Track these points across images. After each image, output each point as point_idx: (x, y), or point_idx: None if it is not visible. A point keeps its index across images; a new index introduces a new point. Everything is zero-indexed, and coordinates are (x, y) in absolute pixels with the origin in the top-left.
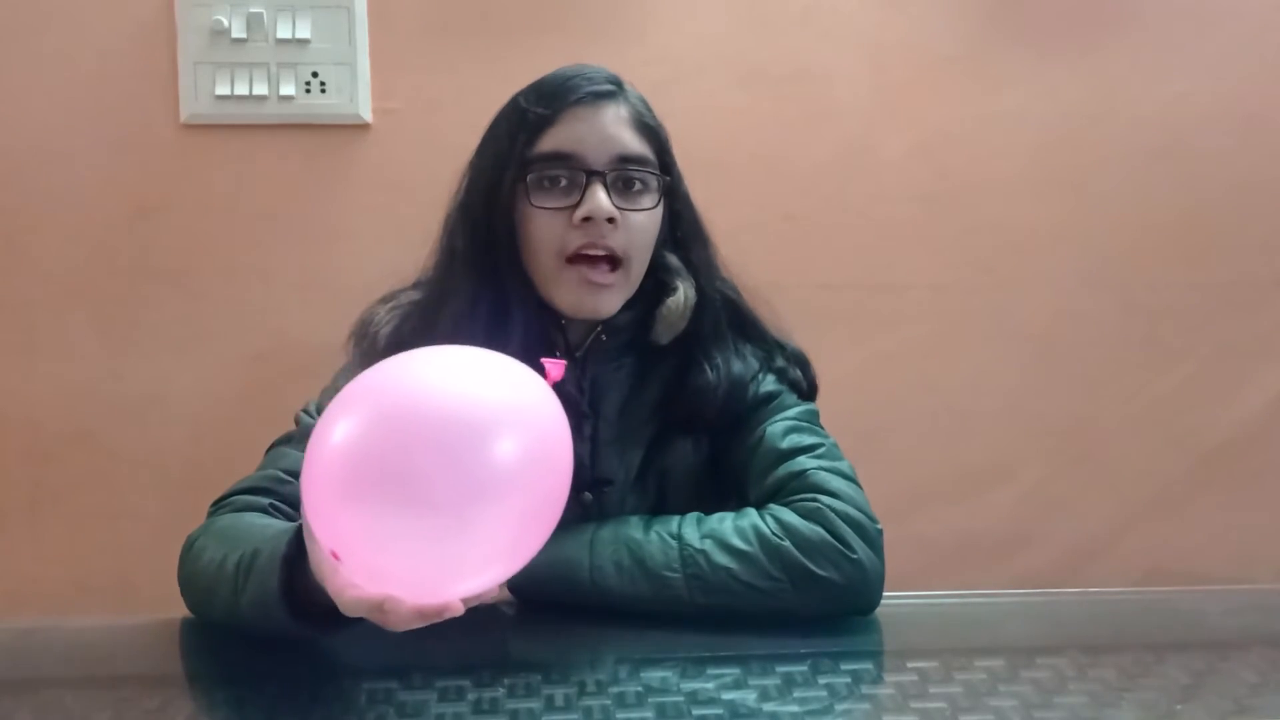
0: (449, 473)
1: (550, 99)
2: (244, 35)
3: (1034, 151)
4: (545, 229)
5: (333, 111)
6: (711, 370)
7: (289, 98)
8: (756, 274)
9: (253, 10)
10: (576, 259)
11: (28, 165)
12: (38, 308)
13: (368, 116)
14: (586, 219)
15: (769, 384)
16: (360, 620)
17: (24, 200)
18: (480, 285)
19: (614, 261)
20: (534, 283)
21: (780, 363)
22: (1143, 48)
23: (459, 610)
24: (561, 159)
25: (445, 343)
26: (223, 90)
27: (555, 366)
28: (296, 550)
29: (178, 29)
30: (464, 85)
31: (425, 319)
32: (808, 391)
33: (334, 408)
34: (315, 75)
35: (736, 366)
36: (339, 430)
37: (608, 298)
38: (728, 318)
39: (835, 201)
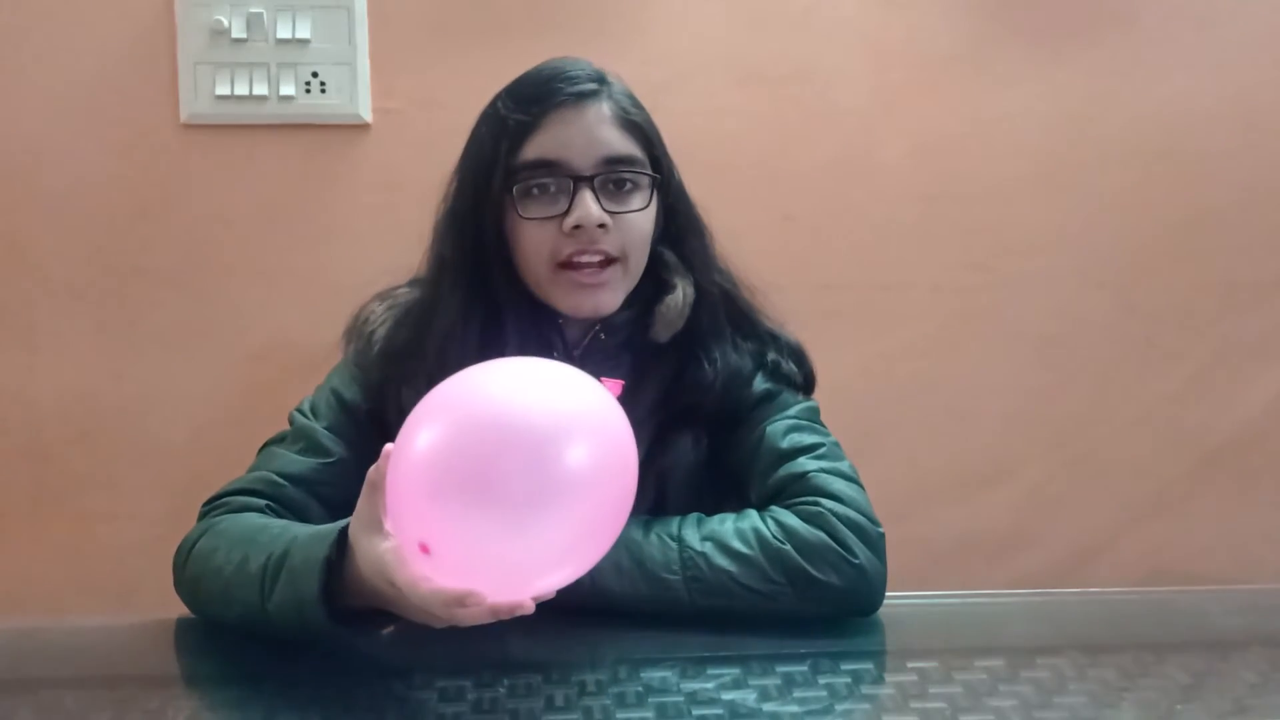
0: (529, 475)
1: (531, 103)
2: (244, 35)
3: (1034, 152)
4: (536, 239)
5: (333, 111)
6: (709, 365)
7: (289, 98)
8: (756, 274)
9: (253, 10)
10: (568, 265)
11: (28, 165)
12: (38, 308)
13: (368, 116)
14: (577, 227)
15: (769, 381)
16: (391, 623)
17: (24, 200)
18: (471, 294)
19: (608, 260)
20: (529, 288)
21: (774, 357)
22: (1143, 48)
23: (530, 609)
24: (546, 166)
25: (439, 352)
26: (223, 90)
27: (613, 386)
28: (337, 554)
29: (178, 29)
30: (464, 85)
31: (417, 329)
32: (804, 385)
33: (420, 414)
34: (315, 75)
35: (734, 360)
36: (426, 435)
37: (606, 295)
38: (725, 311)
39: (835, 202)
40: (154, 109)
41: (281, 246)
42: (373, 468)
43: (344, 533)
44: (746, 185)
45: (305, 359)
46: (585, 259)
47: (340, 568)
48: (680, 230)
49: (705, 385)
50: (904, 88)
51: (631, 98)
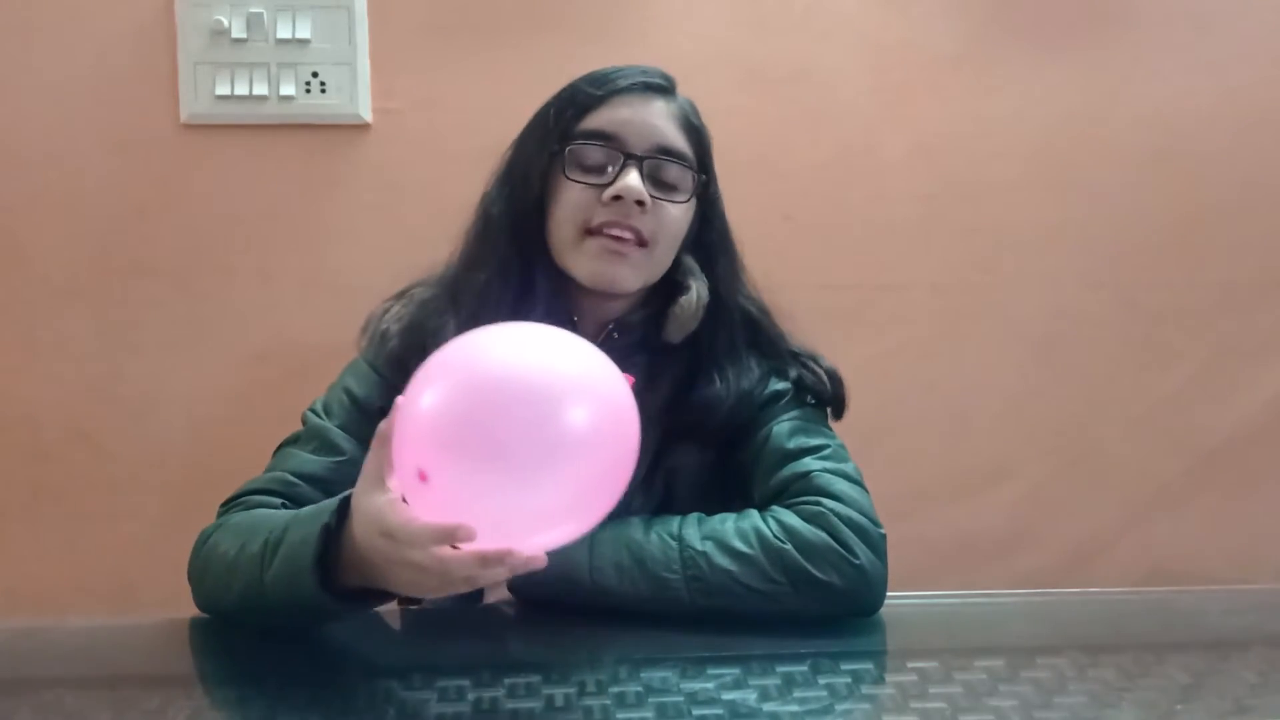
0: (529, 432)
1: (603, 82)
2: (244, 35)
3: (1034, 152)
4: (573, 201)
5: (333, 111)
6: (720, 382)
7: (289, 98)
8: (757, 274)
9: (253, 10)
10: (598, 232)
11: (28, 165)
12: (38, 308)
13: (368, 116)
14: (617, 198)
15: (776, 383)
16: (378, 601)
17: (24, 200)
18: (511, 252)
19: (638, 241)
20: (553, 254)
21: (798, 373)
22: (1143, 48)
23: (520, 559)
24: (603, 137)
25: (470, 310)
26: (223, 90)
27: (625, 380)
28: (337, 523)
29: (178, 29)
30: (464, 85)
31: (451, 290)
32: (830, 402)
33: (428, 371)
34: (315, 75)
35: (745, 381)
36: (433, 392)
37: (626, 270)
38: (747, 335)
39: (835, 201)
40: (154, 109)
41: (281, 246)
42: (384, 421)
43: (346, 502)
44: (747, 185)
45: (305, 359)
46: (616, 231)
47: (339, 539)
48: (711, 245)
49: (716, 403)
50: (904, 88)
51: (695, 109)
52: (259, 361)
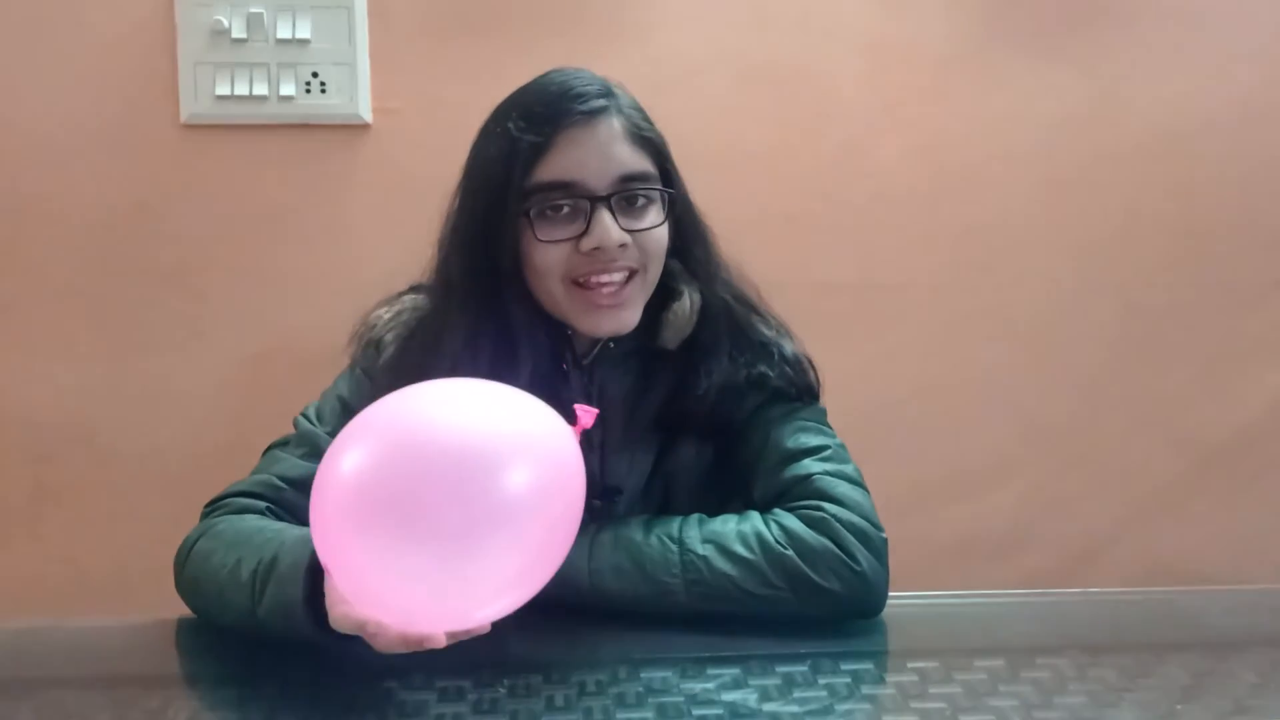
0: (457, 504)
1: (542, 123)
2: (244, 35)
3: (1033, 151)
4: (551, 259)
5: (333, 111)
6: (705, 376)
7: (289, 98)
8: (757, 274)
9: (253, 10)
10: (585, 285)
11: (28, 165)
12: (38, 308)
13: (368, 116)
14: (597, 249)
15: (774, 382)
16: None
17: (24, 200)
18: (480, 316)
19: (628, 276)
20: (544, 308)
21: (762, 369)
22: (1143, 48)
23: (440, 642)
24: (562, 187)
25: (450, 372)
26: (223, 90)
27: (586, 415)
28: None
29: (178, 29)
30: (464, 85)
31: (425, 352)
32: (799, 395)
33: (345, 438)
34: (315, 75)
35: (730, 372)
36: (349, 460)
37: (628, 314)
38: (728, 322)
39: (835, 201)
40: (154, 109)
41: (281, 246)
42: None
43: None
44: (746, 185)
45: (305, 359)
46: (605, 278)
47: (324, 574)
48: (686, 240)
49: (697, 396)
50: (904, 88)
51: (640, 110)
52: (259, 361)
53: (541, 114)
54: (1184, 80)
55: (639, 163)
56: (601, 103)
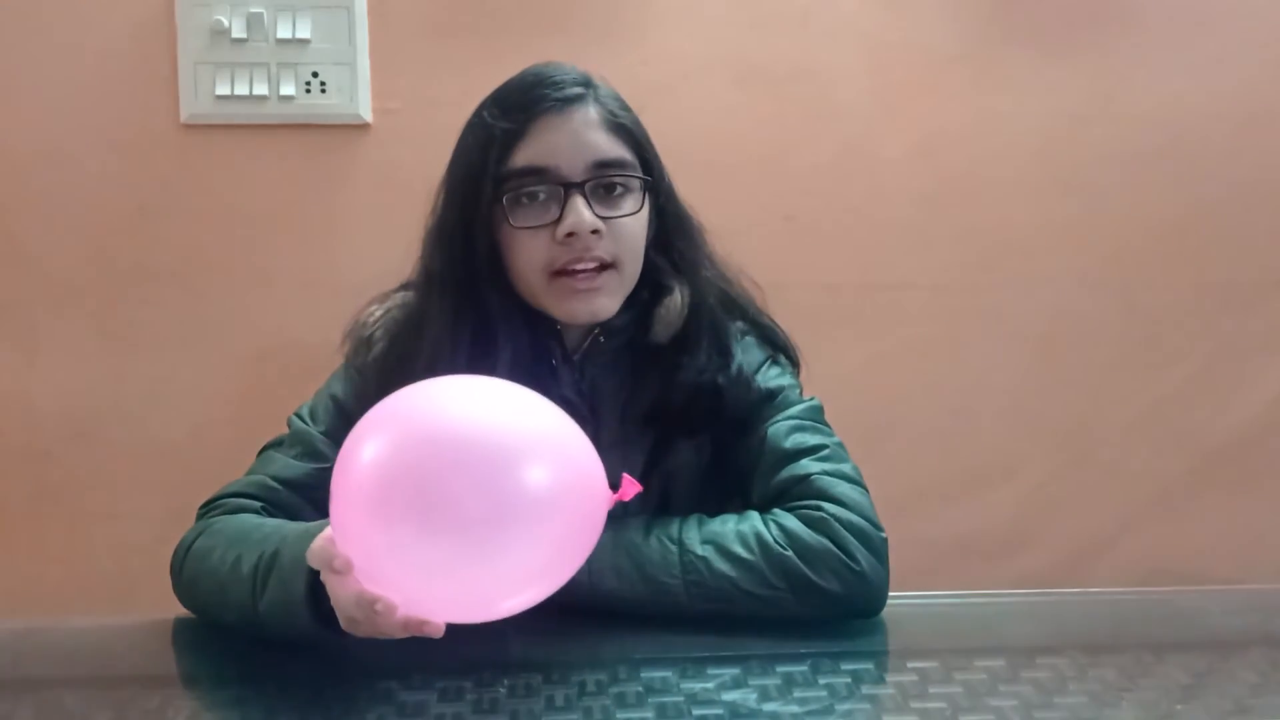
0: (478, 497)
1: (516, 111)
2: (244, 35)
3: (1034, 151)
4: (528, 248)
5: (333, 111)
6: (683, 371)
7: (289, 98)
8: (757, 274)
9: (253, 10)
10: (563, 272)
11: (28, 165)
12: (38, 308)
13: (368, 116)
14: (570, 235)
15: (772, 380)
16: None
17: (24, 200)
18: (459, 306)
19: (602, 266)
20: (523, 298)
21: (737, 371)
22: (1143, 48)
23: (439, 631)
24: (536, 173)
25: (428, 366)
26: (223, 90)
27: (630, 486)
28: None
29: (178, 29)
30: (464, 85)
31: (408, 343)
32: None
33: (367, 426)
34: (315, 75)
35: (734, 366)
36: (369, 450)
37: (602, 301)
38: (709, 318)
39: (835, 201)
40: (154, 109)
41: (281, 246)
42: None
43: None
44: (747, 185)
45: (305, 359)
46: (580, 265)
47: None
48: (669, 232)
49: (676, 389)
50: (904, 88)
51: (619, 100)
52: (259, 361)
53: (517, 102)
54: (1184, 80)
55: (615, 150)
56: (578, 90)
